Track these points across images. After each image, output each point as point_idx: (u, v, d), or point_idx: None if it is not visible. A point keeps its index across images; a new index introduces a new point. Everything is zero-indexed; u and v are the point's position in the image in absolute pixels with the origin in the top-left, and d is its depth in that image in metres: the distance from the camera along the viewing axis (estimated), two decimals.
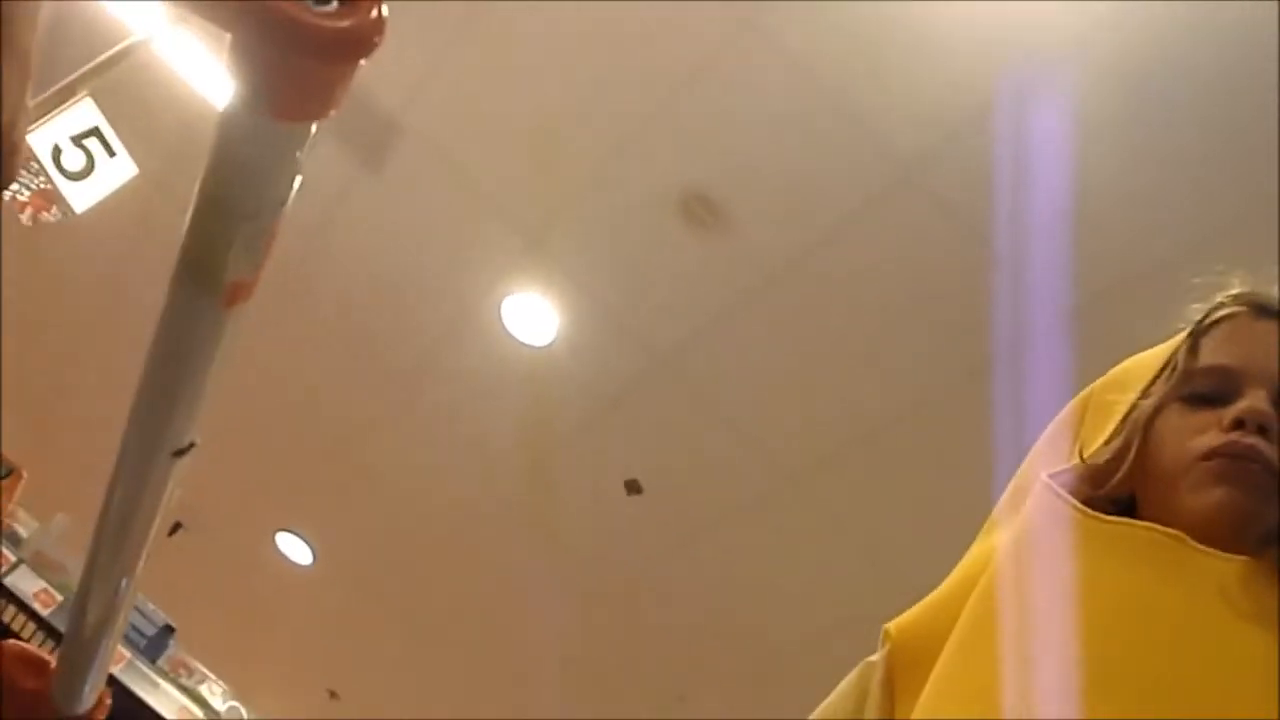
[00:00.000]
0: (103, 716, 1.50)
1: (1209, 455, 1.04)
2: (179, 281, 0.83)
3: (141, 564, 1.16)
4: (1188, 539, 0.99)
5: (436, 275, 4.65)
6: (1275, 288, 1.17)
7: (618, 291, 4.34)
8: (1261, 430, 1.04)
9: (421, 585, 6.22)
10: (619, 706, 6.09)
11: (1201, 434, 1.06)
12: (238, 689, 4.46)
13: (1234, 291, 1.17)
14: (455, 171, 4.27)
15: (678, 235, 4.00)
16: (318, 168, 4.40)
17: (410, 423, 5.39)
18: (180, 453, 0.98)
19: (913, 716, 1.06)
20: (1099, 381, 1.24)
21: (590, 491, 5.06)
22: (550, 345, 4.61)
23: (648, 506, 4.95)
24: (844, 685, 1.24)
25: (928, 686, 1.06)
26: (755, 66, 3.49)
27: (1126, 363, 1.24)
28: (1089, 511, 1.06)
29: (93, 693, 1.37)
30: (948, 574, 1.22)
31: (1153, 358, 1.19)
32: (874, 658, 1.21)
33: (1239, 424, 1.04)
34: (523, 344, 4.66)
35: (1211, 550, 0.98)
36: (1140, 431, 1.11)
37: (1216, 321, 1.15)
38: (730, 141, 3.74)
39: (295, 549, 6.53)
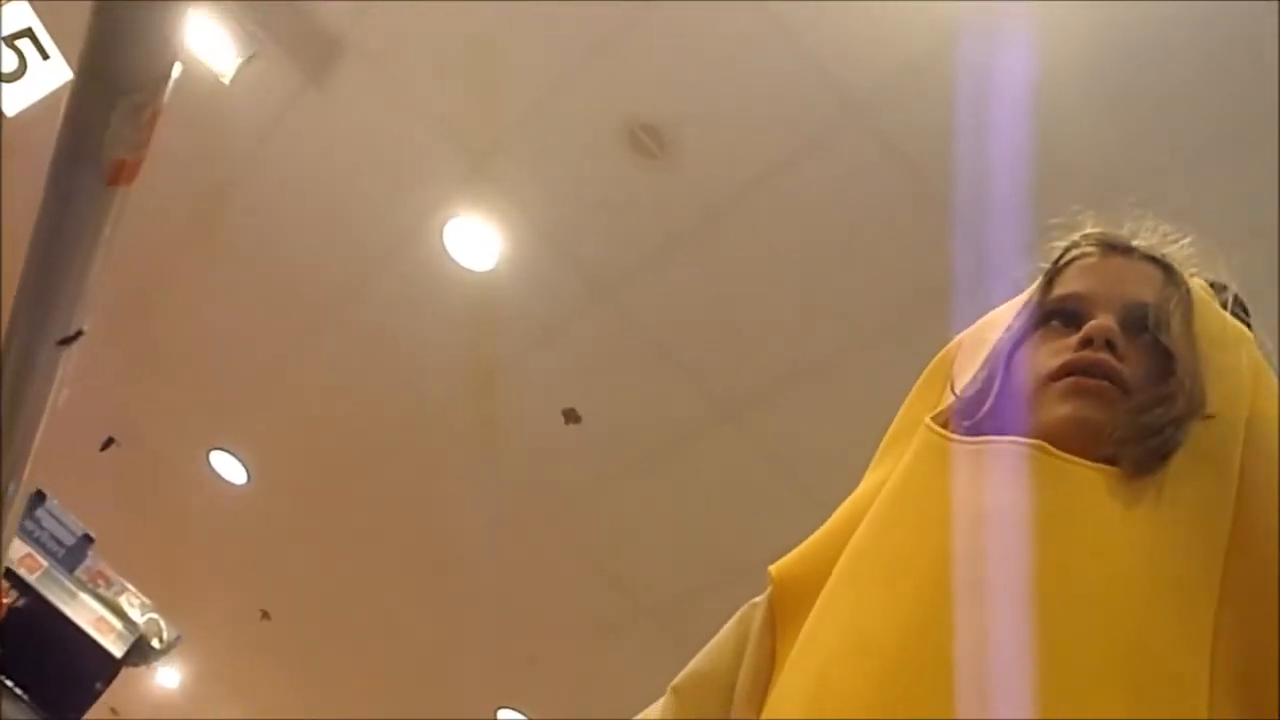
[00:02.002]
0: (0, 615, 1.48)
1: (1058, 373, 1.09)
2: (60, 159, 0.79)
3: (30, 461, 1.12)
4: (1049, 447, 1.02)
5: (379, 195, 4.58)
6: (1125, 228, 1.23)
7: (562, 219, 4.30)
8: (1109, 345, 1.08)
9: (356, 507, 6.19)
10: (551, 631, 6.12)
11: (1055, 356, 1.11)
12: (168, 606, 4.43)
13: (1086, 231, 1.23)
14: (401, 91, 4.19)
15: (624, 165, 3.97)
16: (260, 80, 4.34)
17: (349, 344, 5.33)
18: (66, 341, 0.94)
19: (791, 653, 1.07)
20: (967, 331, 1.29)
21: (528, 418, 5.04)
22: (492, 270, 4.56)
23: (585, 436, 4.94)
24: (726, 628, 1.25)
25: (807, 621, 1.07)
26: None
27: (991, 313, 1.28)
28: (953, 436, 1.09)
29: None
30: None
31: (1018, 302, 1.24)
32: (757, 599, 1.22)
33: (1087, 342, 1.09)
34: (464, 268, 4.62)
35: (1071, 457, 1.01)
36: (1002, 363, 1.16)
37: (1070, 260, 1.21)
38: (680, 73, 3.70)
39: (229, 468, 6.47)
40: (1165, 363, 1.07)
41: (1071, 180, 3.24)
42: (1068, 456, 1.01)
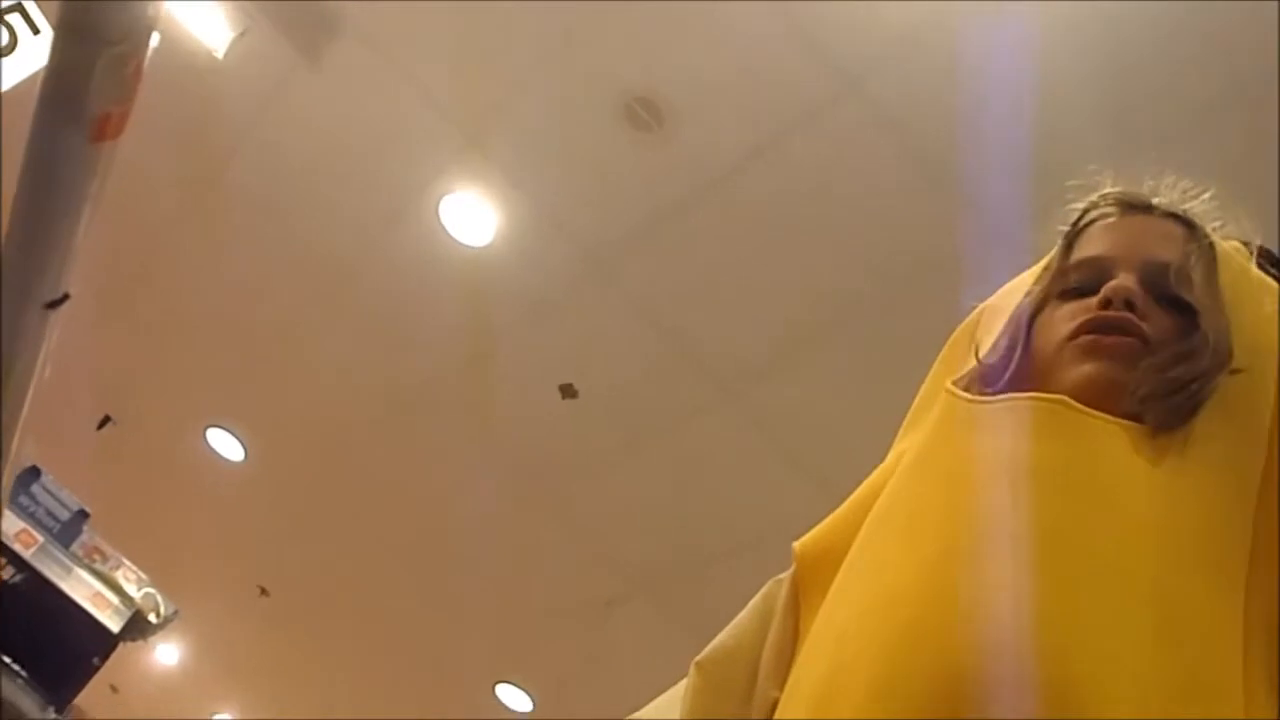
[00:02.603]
0: None
1: (1078, 332, 1.07)
2: (43, 115, 0.78)
3: (19, 430, 1.11)
4: (1070, 401, 1.01)
5: (374, 171, 4.56)
6: (1144, 186, 1.21)
7: (557, 193, 4.29)
8: (1129, 305, 1.07)
9: (354, 483, 6.19)
10: (549, 607, 6.13)
11: (1074, 318, 1.09)
12: (166, 584, 4.43)
13: (1104, 191, 1.22)
14: (394, 67, 4.17)
15: (619, 138, 3.95)
16: (253, 56, 4.32)
17: (346, 320, 5.32)
18: (54, 304, 0.93)
19: (814, 625, 1.06)
20: (990, 299, 1.26)
21: (525, 393, 5.03)
22: (488, 245, 4.55)
23: (581, 411, 4.93)
24: (751, 604, 1.23)
25: (830, 593, 1.05)
26: None
27: (1014, 280, 1.26)
28: (973, 397, 1.08)
29: None
30: None
31: (1040, 267, 1.23)
32: (781, 576, 1.21)
33: (1106, 302, 1.08)
34: (460, 243, 4.60)
35: (1094, 411, 1.00)
36: (1023, 328, 1.14)
37: (1090, 222, 1.20)
38: (675, 46, 3.68)
39: (226, 445, 6.46)
40: (1189, 319, 1.06)
41: (1069, 149, 3.22)
42: (1090, 410, 0.99)
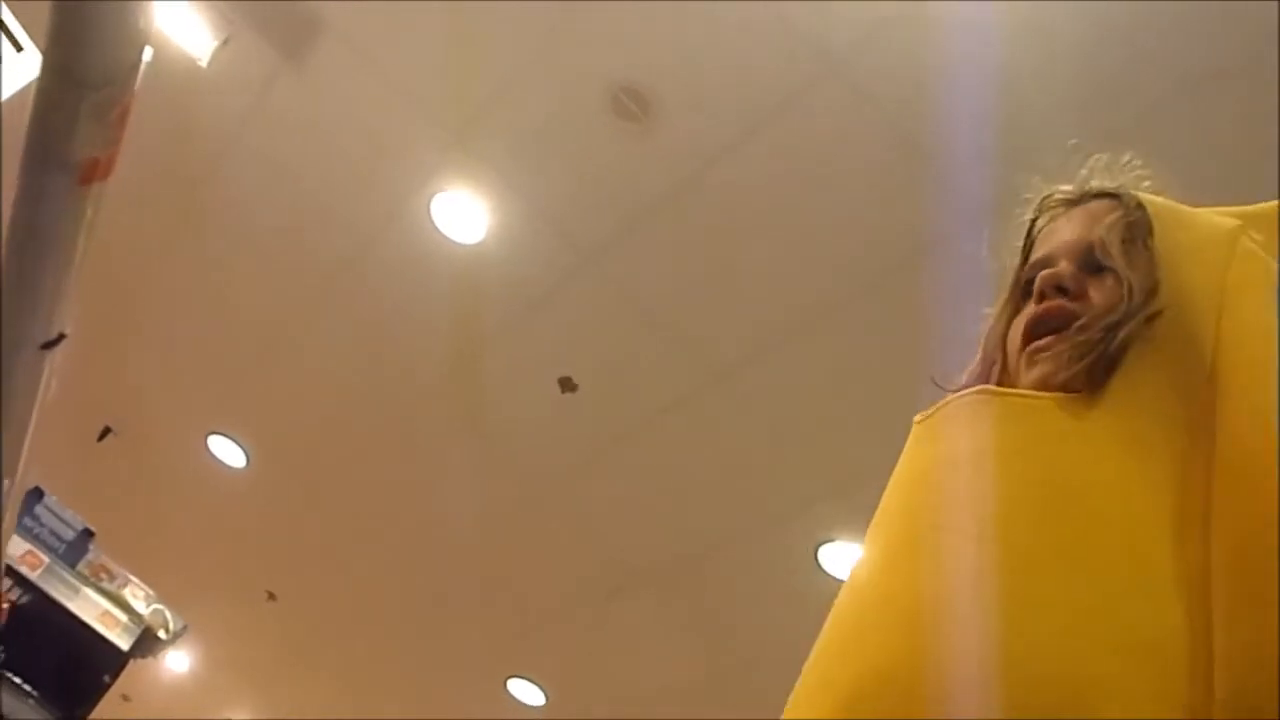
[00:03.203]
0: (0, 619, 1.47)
1: (1024, 342, 1.11)
2: (30, 160, 0.77)
3: (23, 462, 1.11)
4: (991, 387, 1.07)
5: (363, 173, 4.55)
6: (1080, 174, 1.26)
7: (547, 187, 4.28)
8: (1060, 290, 1.10)
9: (356, 484, 6.20)
10: (551, 602, 6.14)
11: (1021, 326, 1.13)
12: (174, 593, 4.44)
13: (1044, 196, 1.26)
14: (378, 67, 4.16)
15: (608, 129, 3.94)
16: (237, 63, 4.30)
17: (341, 322, 5.32)
18: (49, 345, 0.92)
19: None
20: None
21: (522, 389, 5.03)
22: (480, 243, 4.54)
23: (577, 405, 4.94)
24: None
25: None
26: None
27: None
28: (923, 414, 1.12)
29: None
30: (875, 469, 1.24)
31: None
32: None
33: (1041, 295, 1.11)
34: (453, 242, 4.59)
35: (1013, 391, 1.05)
36: (998, 345, 1.18)
37: (1039, 230, 1.24)
38: (659, 34, 3.66)
39: (228, 452, 6.47)
40: (1120, 283, 1.08)
41: (1055, 129, 3.22)
42: (1009, 391, 1.04)
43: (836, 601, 1.03)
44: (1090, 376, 1.00)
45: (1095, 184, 1.22)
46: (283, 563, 7.16)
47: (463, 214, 4.49)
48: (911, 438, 1.10)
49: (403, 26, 4.01)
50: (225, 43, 4.21)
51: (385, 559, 6.63)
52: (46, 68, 0.69)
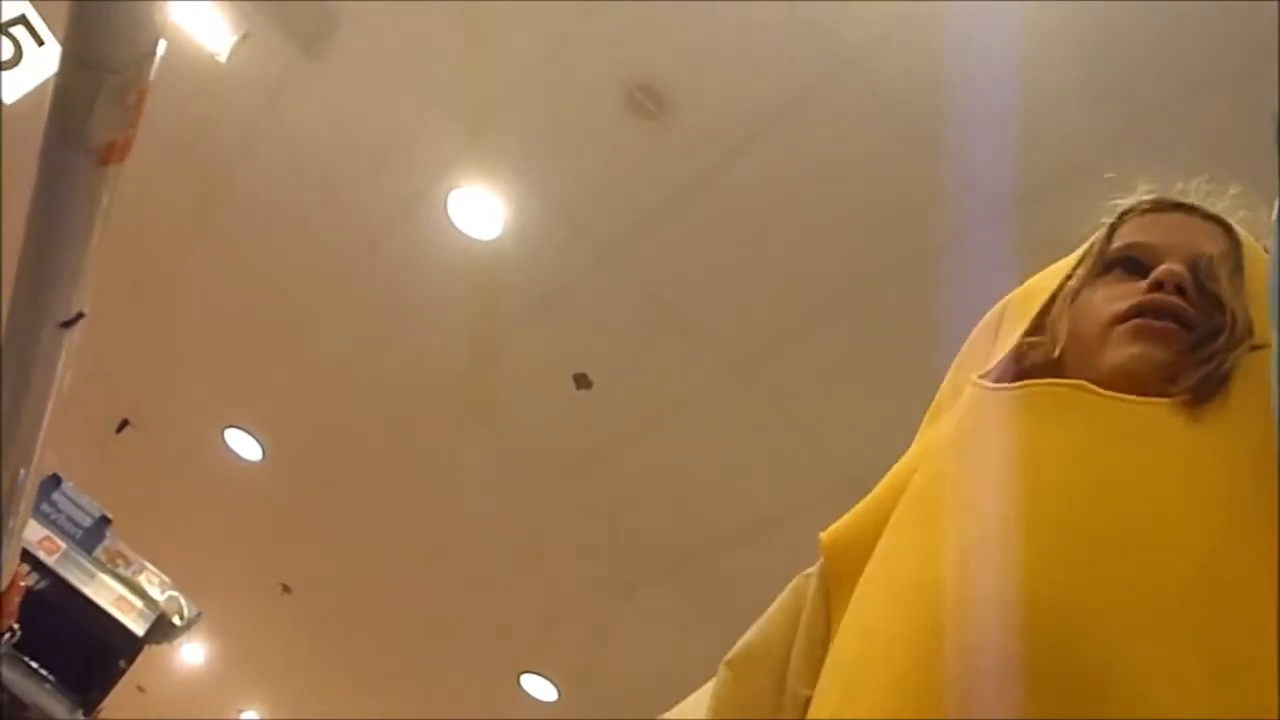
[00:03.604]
0: (17, 598, 1.50)
1: (1126, 315, 1.07)
2: (50, 142, 0.80)
3: (41, 443, 1.13)
4: (1089, 385, 1.01)
5: (381, 168, 4.58)
6: (1175, 189, 1.22)
7: (564, 183, 4.30)
8: (1179, 290, 1.07)
9: (372, 478, 6.22)
10: (570, 596, 6.16)
11: (1122, 299, 1.09)
12: (190, 584, 4.46)
13: (1145, 191, 1.22)
14: (397, 63, 4.19)
15: (624, 126, 3.96)
16: (256, 58, 4.33)
17: (358, 317, 5.35)
18: (68, 324, 0.95)
19: (843, 620, 1.06)
20: (1015, 291, 1.26)
21: (538, 385, 5.05)
22: (497, 238, 4.56)
23: (594, 399, 4.96)
24: (779, 600, 1.23)
25: (857, 586, 1.05)
26: None
27: (1040, 272, 1.26)
28: (989, 384, 1.09)
29: (3, 576, 1.35)
30: (891, 461, 1.22)
31: (1066, 263, 1.22)
32: (809, 570, 1.20)
33: (1158, 285, 1.08)
34: (470, 237, 4.62)
35: (1116, 394, 1.00)
36: (1066, 308, 1.14)
37: (1130, 215, 1.20)
38: (676, 30, 3.68)
39: (244, 444, 6.51)
40: (1220, 310, 1.06)
41: (1066, 128, 3.23)
42: (1106, 393, 1.00)
43: (888, 564, 1.01)
44: (1199, 389, 0.99)
45: (1201, 201, 1.20)
46: (297, 556, 7.20)
47: (479, 209, 4.51)
48: (981, 406, 1.08)
49: (420, 23, 4.04)
50: (244, 38, 4.24)
51: (399, 553, 6.65)
52: (66, 52, 0.71)
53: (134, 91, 0.74)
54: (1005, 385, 1.07)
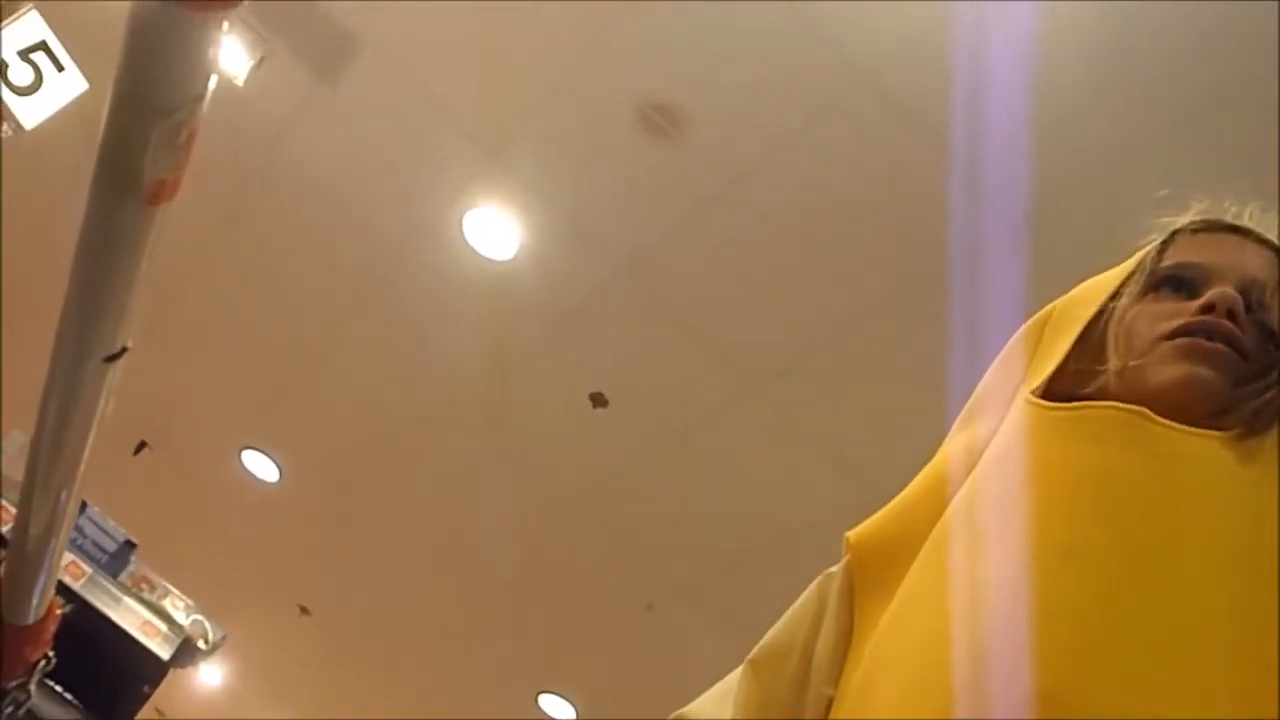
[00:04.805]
0: (53, 626, 1.51)
1: (1176, 333, 1.07)
2: (100, 182, 0.81)
3: (81, 473, 1.15)
4: (1149, 413, 1.00)
5: (397, 190, 4.60)
6: (1227, 208, 1.21)
7: (579, 203, 4.32)
8: (1231, 315, 1.06)
9: (388, 499, 6.23)
10: (588, 615, 6.15)
11: (1171, 318, 1.09)
12: (207, 607, 4.47)
13: (1199, 210, 1.21)
14: (412, 85, 4.21)
15: (637, 145, 3.97)
16: (272, 81, 4.35)
17: (375, 339, 5.36)
18: (112, 358, 0.96)
19: (880, 625, 1.06)
20: (1060, 301, 1.25)
21: (555, 404, 5.06)
22: (513, 259, 4.58)
23: (612, 417, 4.96)
24: (803, 598, 1.23)
25: (907, 589, 1.06)
26: None
27: (1086, 283, 1.25)
28: (1045, 403, 1.08)
29: (41, 603, 1.37)
30: (910, 475, 1.22)
31: (1112, 276, 1.21)
32: (833, 569, 1.20)
33: (1210, 307, 1.07)
34: (486, 258, 4.63)
35: (1174, 424, 1.00)
36: (1114, 323, 1.14)
37: (1181, 233, 1.19)
38: (686, 49, 3.70)
39: (261, 466, 6.52)
40: (1271, 340, 1.07)
41: (1081, 141, 3.24)
42: (1165, 422, 0.99)
43: (947, 578, 1.01)
44: (1254, 422, 0.99)
45: (1255, 225, 1.18)
46: (315, 577, 7.21)
47: (495, 230, 4.53)
48: (1038, 424, 1.06)
49: (436, 45, 4.06)
50: (261, 62, 4.26)
51: (417, 574, 6.65)
52: (117, 95, 0.72)
53: (185, 132, 0.75)
54: (1061, 405, 1.07)
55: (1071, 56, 3.16)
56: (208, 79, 0.70)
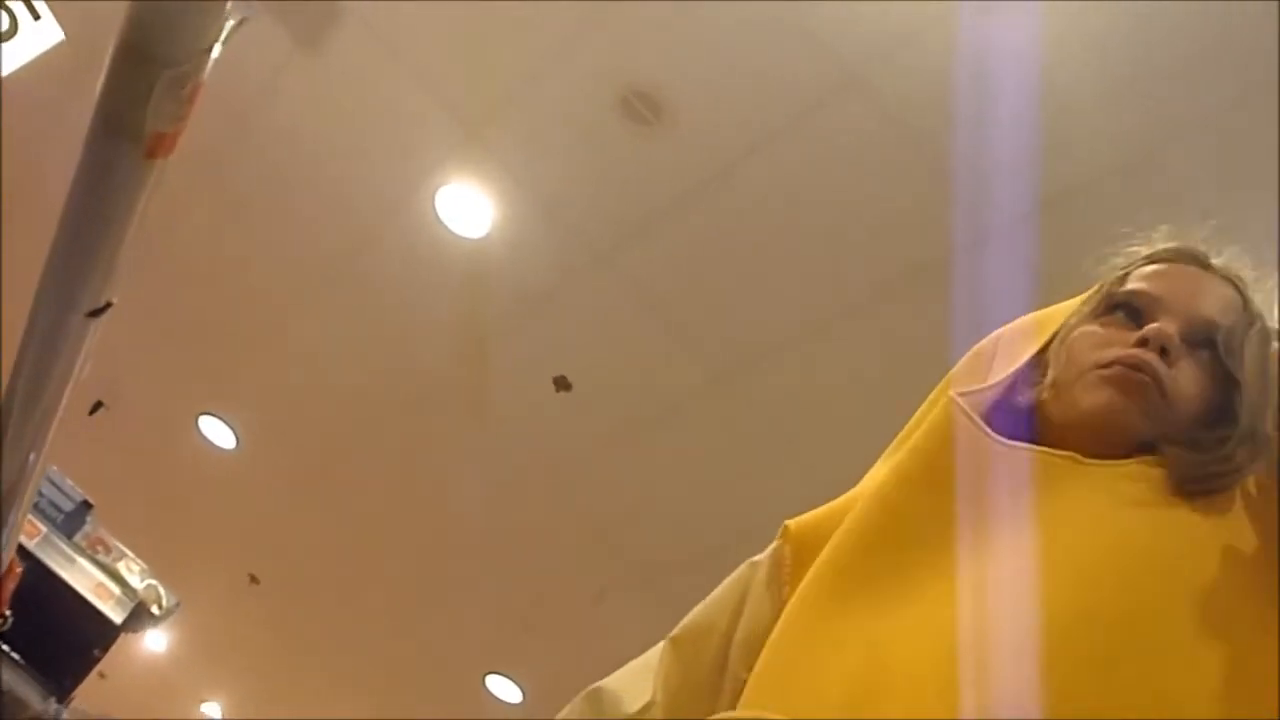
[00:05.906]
0: (11, 584, 1.49)
1: (1108, 363, 1.11)
2: (97, 132, 0.79)
3: (52, 434, 1.12)
4: (1079, 457, 1.05)
5: (371, 161, 4.56)
6: (1199, 238, 1.24)
7: (555, 186, 4.29)
8: (1163, 351, 1.10)
9: (345, 473, 6.19)
10: (541, 599, 6.14)
11: (1109, 346, 1.13)
12: (156, 570, 4.43)
13: (1167, 241, 1.25)
14: (394, 57, 4.17)
15: (618, 132, 3.95)
16: (252, 45, 4.30)
17: (339, 310, 5.32)
18: (95, 313, 0.94)
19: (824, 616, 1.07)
20: (1012, 323, 1.29)
21: (519, 386, 5.04)
22: (484, 238, 4.55)
23: (576, 402, 4.94)
24: (725, 584, 1.28)
25: (841, 589, 1.08)
26: None
27: (1039, 312, 1.29)
28: (989, 433, 1.11)
29: (5, 558, 1.34)
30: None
31: (1067, 306, 1.25)
32: (757, 558, 1.25)
33: (1143, 341, 1.11)
34: (456, 235, 4.60)
35: (1100, 461, 1.05)
36: (1061, 345, 1.18)
37: (1146, 262, 1.23)
38: (673, 39, 3.68)
39: (218, 433, 6.47)
40: (1224, 387, 1.10)
41: (1071, 148, 3.24)
42: (1099, 462, 1.05)
43: (896, 586, 1.03)
44: (1200, 488, 1.03)
45: (1219, 262, 1.21)
46: (267, 547, 7.15)
47: (468, 208, 4.50)
48: (978, 450, 1.09)
49: (420, 17, 4.02)
50: (240, 24, 4.21)
51: (368, 548, 6.62)
52: (122, 45, 0.70)
53: (190, 84, 0.73)
54: (1006, 443, 1.09)
55: (1063, 56, 3.16)
56: (218, 33, 0.68)
